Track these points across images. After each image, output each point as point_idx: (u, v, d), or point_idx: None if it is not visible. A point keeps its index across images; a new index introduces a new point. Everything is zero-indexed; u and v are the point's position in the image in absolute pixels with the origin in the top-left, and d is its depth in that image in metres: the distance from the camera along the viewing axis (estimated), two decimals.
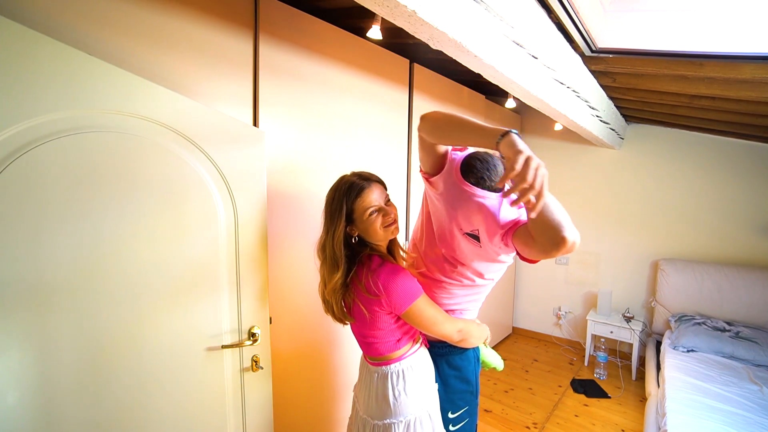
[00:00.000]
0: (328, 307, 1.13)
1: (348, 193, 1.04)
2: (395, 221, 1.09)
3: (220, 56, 1.37)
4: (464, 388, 1.23)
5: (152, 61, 1.20)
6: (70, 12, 1.04)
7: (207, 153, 1.15)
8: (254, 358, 1.29)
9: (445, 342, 1.18)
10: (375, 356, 1.14)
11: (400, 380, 1.10)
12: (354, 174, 1.09)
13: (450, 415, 1.22)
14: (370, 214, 1.05)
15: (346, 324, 1.16)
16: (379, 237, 1.07)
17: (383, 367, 1.12)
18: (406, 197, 2.30)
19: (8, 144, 0.84)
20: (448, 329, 1.10)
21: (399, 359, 1.12)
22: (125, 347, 1.04)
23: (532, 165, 0.74)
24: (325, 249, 1.06)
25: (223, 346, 1.22)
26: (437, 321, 1.07)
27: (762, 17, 1.37)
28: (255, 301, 1.29)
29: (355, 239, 1.09)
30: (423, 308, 1.04)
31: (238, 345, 1.24)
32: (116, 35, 1.13)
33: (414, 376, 1.12)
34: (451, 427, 1.22)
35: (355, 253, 1.08)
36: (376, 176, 1.12)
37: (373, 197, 1.05)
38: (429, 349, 1.22)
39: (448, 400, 1.21)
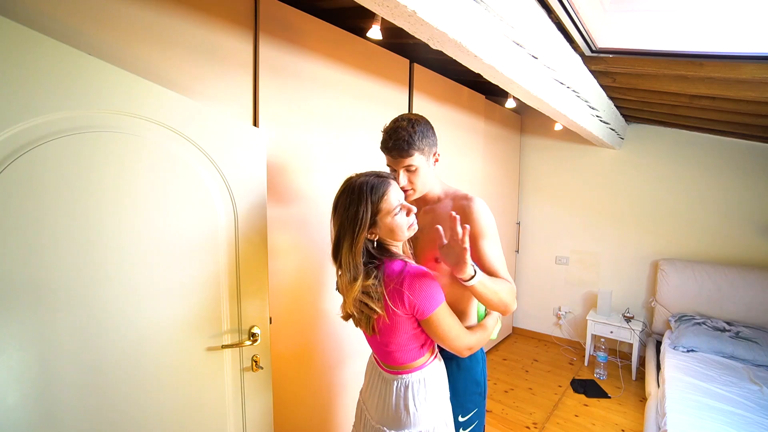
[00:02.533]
0: (357, 321, 1.05)
1: (372, 194, 0.95)
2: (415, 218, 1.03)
3: (220, 56, 1.37)
4: (474, 390, 1.22)
5: (152, 61, 1.20)
6: (70, 12, 1.04)
7: (207, 153, 1.15)
8: (254, 358, 1.29)
9: None
10: (395, 365, 1.07)
11: (422, 389, 1.05)
12: (367, 174, 1.00)
13: (460, 419, 1.19)
14: (397, 214, 0.97)
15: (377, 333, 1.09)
16: (404, 237, 1.00)
17: (403, 375, 1.06)
18: None
19: (8, 144, 0.84)
20: (459, 344, 1.02)
21: (420, 368, 1.06)
22: (125, 347, 1.04)
23: None
24: (341, 258, 0.96)
25: (223, 346, 1.22)
26: (453, 334, 1.00)
27: (762, 17, 1.37)
28: (255, 301, 1.29)
29: (374, 243, 1.00)
30: (444, 316, 0.97)
31: (238, 345, 1.24)
32: (116, 35, 1.13)
33: (434, 386, 1.07)
34: (462, 431, 1.20)
35: (374, 258, 0.99)
36: (389, 173, 1.04)
37: (397, 195, 0.98)
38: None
39: (458, 404, 1.18)
